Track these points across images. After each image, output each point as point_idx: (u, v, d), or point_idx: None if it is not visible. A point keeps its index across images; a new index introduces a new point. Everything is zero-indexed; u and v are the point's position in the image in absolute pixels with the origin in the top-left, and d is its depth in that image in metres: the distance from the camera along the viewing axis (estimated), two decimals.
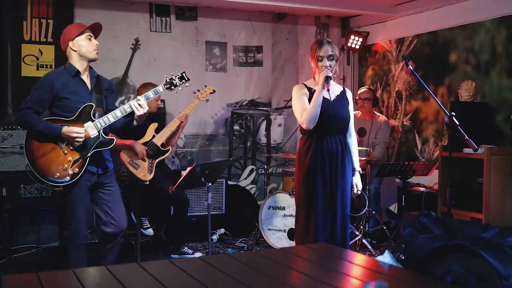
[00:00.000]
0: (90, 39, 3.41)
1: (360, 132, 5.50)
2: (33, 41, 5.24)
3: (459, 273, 1.93)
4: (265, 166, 5.76)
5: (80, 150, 3.32)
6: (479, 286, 1.88)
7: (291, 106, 4.88)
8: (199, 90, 4.96)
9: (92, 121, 3.35)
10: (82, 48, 3.39)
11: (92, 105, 3.37)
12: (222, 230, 5.60)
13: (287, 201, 4.96)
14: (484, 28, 4.99)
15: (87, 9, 5.41)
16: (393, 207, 5.76)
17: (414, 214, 2.32)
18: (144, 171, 4.57)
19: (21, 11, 5.21)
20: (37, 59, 5.25)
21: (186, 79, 3.59)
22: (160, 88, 3.51)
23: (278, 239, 4.97)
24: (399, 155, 6.05)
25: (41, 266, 4.44)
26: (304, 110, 3.45)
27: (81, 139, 3.29)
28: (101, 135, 3.38)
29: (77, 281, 1.79)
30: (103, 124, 3.36)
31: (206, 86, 5.03)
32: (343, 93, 3.62)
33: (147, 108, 3.38)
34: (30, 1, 5.22)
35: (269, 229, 5.02)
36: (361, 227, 5.01)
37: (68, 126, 3.29)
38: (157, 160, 4.68)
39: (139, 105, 3.34)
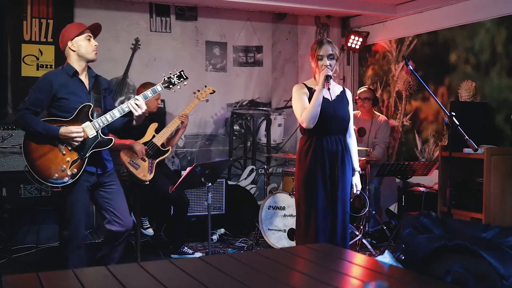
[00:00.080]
0: (89, 40, 3.40)
1: (360, 132, 5.50)
2: (33, 41, 5.24)
3: (459, 273, 1.93)
4: (265, 166, 5.76)
5: (79, 150, 3.31)
6: (479, 286, 1.88)
7: (291, 106, 4.88)
8: (199, 90, 4.96)
9: (91, 121, 3.34)
10: (81, 48, 3.38)
11: (90, 105, 3.36)
12: (222, 230, 5.60)
13: (287, 201, 4.96)
14: (484, 28, 4.99)
15: (87, 9, 5.41)
16: (393, 207, 5.76)
17: (414, 214, 2.32)
18: (144, 171, 4.57)
19: (21, 11, 5.21)
20: (37, 59, 5.25)
21: (185, 77, 3.57)
22: (158, 87, 3.49)
23: (278, 239, 4.97)
24: (399, 155, 6.05)
25: (41, 266, 4.44)
26: (304, 109, 3.45)
27: (80, 139, 3.28)
28: (100, 135, 3.36)
29: (77, 281, 1.79)
30: (101, 124, 3.35)
31: (206, 86, 5.03)
32: (343, 93, 3.62)
33: (145, 107, 3.37)
34: (30, 1, 5.22)
35: (269, 229, 5.02)
36: (361, 227, 5.01)
37: (66, 126, 3.28)
38: (157, 160, 4.68)
39: (137, 105, 3.33)
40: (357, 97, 5.57)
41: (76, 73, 3.39)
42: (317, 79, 3.52)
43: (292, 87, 3.64)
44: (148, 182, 4.57)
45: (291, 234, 4.88)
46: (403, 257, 2.09)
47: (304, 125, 3.45)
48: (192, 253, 4.86)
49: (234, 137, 6.23)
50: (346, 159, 3.53)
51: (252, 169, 6.33)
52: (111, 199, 3.46)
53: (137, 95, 3.47)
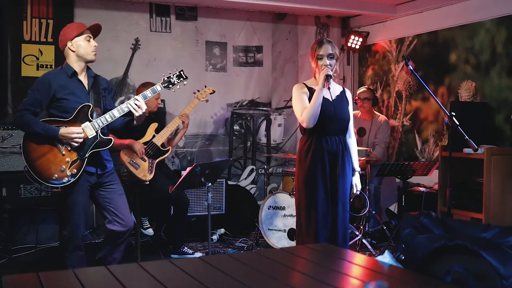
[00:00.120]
0: (89, 41, 3.39)
1: (360, 132, 5.49)
2: (33, 41, 5.24)
3: (459, 273, 1.93)
4: (265, 166, 5.76)
5: (78, 150, 3.31)
6: (479, 286, 1.88)
7: (291, 106, 4.88)
8: (198, 91, 4.96)
9: (90, 121, 3.34)
10: (80, 49, 3.37)
11: (90, 105, 3.35)
12: (222, 230, 5.60)
13: (287, 201, 4.96)
14: (484, 28, 4.99)
15: (87, 9, 5.41)
16: (393, 207, 5.76)
17: (414, 214, 2.32)
18: (144, 171, 4.57)
19: (21, 11, 5.21)
20: (37, 59, 5.25)
21: (184, 77, 3.57)
22: (158, 87, 3.48)
23: (278, 239, 4.97)
24: (399, 155, 6.05)
25: (41, 266, 4.44)
26: (304, 109, 3.45)
27: (80, 139, 3.28)
28: (99, 135, 3.36)
29: (77, 281, 1.79)
30: (101, 124, 3.34)
31: (206, 86, 5.03)
32: (342, 93, 3.62)
33: (145, 107, 3.36)
34: (30, 1, 5.22)
35: (269, 229, 5.02)
36: (361, 227, 5.01)
37: (66, 127, 3.28)
38: (157, 160, 4.68)
39: (137, 105, 3.33)
40: (356, 98, 5.57)
41: (75, 73, 3.38)
42: (317, 78, 3.52)
43: (292, 87, 3.64)
44: (148, 182, 4.57)
45: (291, 234, 4.88)
46: (403, 257, 2.09)
47: (304, 125, 3.44)
48: (192, 253, 4.86)
49: (234, 137, 6.23)
50: (346, 159, 3.53)
51: (252, 169, 6.33)
52: (111, 199, 3.46)
53: (137, 95, 3.46)
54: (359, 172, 3.65)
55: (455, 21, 5.27)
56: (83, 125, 3.32)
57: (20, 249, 4.90)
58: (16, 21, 5.18)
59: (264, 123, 6.39)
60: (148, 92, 3.43)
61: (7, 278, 1.77)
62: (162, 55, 5.76)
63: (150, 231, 5.16)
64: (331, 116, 3.45)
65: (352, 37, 6.34)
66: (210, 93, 4.98)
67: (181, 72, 3.57)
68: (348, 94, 3.67)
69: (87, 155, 3.32)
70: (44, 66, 5.25)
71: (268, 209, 5.05)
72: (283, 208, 4.99)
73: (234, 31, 6.14)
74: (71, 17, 5.33)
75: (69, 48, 3.38)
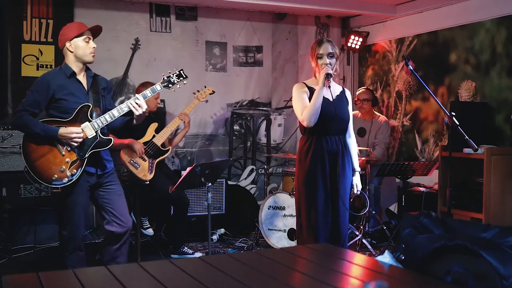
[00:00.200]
0: (88, 42, 3.36)
1: (360, 132, 5.50)
2: (33, 41, 5.24)
3: (459, 273, 1.93)
4: (265, 166, 5.76)
5: (78, 151, 3.30)
6: (479, 286, 1.88)
7: (291, 106, 4.88)
8: (198, 91, 4.96)
9: (90, 121, 3.33)
10: (78, 50, 3.35)
11: (89, 105, 3.34)
12: (222, 230, 5.60)
13: (287, 201, 4.96)
14: (484, 28, 4.99)
15: (87, 9, 5.41)
16: (393, 207, 5.76)
17: (414, 214, 2.32)
18: (144, 171, 4.57)
19: (21, 11, 5.21)
20: (37, 59, 5.25)
21: (184, 76, 3.55)
22: (158, 87, 3.48)
23: (278, 239, 4.97)
24: (399, 155, 6.05)
25: (41, 266, 4.44)
26: (304, 108, 3.44)
27: (79, 139, 3.27)
28: (99, 135, 3.35)
29: (77, 281, 1.79)
30: (101, 124, 3.34)
31: (205, 86, 5.03)
32: (342, 93, 3.62)
33: (145, 107, 3.35)
34: (30, 1, 5.22)
35: (269, 229, 5.02)
36: (361, 227, 5.01)
37: (65, 127, 3.27)
38: (157, 160, 4.68)
39: (137, 104, 3.32)
40: (356, 99, 5.57)
41: (73, 73, 3.37)
42: (317, 78, 3.52)
43: (292, 87, 3.63)
44: (148, 182, 4.57)
45: (291, 234, 4.88)
46: (403, 257, 2.09)
47: (304, 124, 3.44)
48: (192, 253, 4.86)
49: (234, 137, 6.23)
50: (346, 159, 3.53)
51: (252, 169, 6.33)
52: (110, 199, 3.45)
53: (137, 94, 3.45)
54: (359, 172, 3.66)
55: (455, 21, 5.27)
56: (82, 125, 3.31)
57: (20, 249, 4.90)
58: (16, 21, 5.18)
59: (264, 123, 6.39)
60: (148, 92, 3.42)
61: (7, 278, 1.77)
62: (162, 55, 5.76)
63: (150, 231, 5.17)
64: (332, 116, 3.45)
65: (352, 37, 6.34)
66: (210, 94, 4.98)
67: (181, 72, 3.55)
68: (348, 94, 3.67)
69: (87, 155, 3.31)
70: (44, 66, 5.25)
71: (268, 209, 5.05)
72: (283, 208, 4.99)
73: (234, 31, 6.14)
74: (71, 17, 5.33)
75: (67, 49, 3.37)
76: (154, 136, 4.73)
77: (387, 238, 5.11)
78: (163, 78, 3.50)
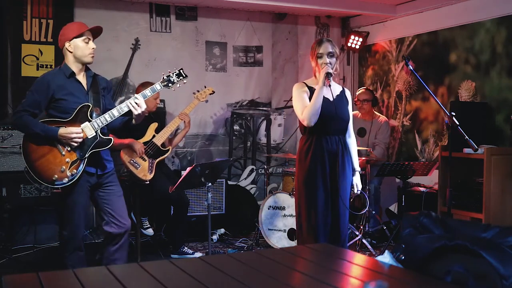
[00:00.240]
0: (87, 43, 3.35)
1: (360, 133, 5.50)
2: (33, 41, 5.25)
3: (459, 273, 1.93)
4: (265, 166, 5.76)
5: (78, 151, 3.30)
6: (479, 286, 1.88)
7: (291, 106, 4.89)
8: (198, 91, 4.96)
9: (90, 121, 3.33)
10: (77, 50, 3.34)
11: (89, 105, 3.34)
12: (222, 230, 5.60)
13: (287, 201, 4.96)
14: (484, 28, 4.99)
15: (87, 9, 5.41)
16: (393, 207, 5.76)
17: (414, 214, 2.32)
18: (144, 171, 4.57)
19: (21, 11, 5.21)
20: (37, 59, 5.25)
21: (184, 75, 3.54)
22: (157, 86, 3.47)
23: (278, 239, 4.97)
24: (399, 155, 6.05)
25: (41, 266, 4.44)
26: (305, 107, 3.44)
27: (79, 139, 3.27)
28: (99, 135, 3.35)
29: (77, 281, 1.79)
30: (100, 124, 3.33)
31: (205, 86, 5.03)
32: (342, 92, 3.62)
33: (145, 106, 3.35)
34: (30, 1, 5.22)
35: (269, 229, 5.02)
36: (361, 227, 5.01)
37: (65, 127, 3.27)
38: (157, 160, 4.68)
39: (136, 103, 3.32)
40: (356, 99, 5.57)
41: (73, 74, 3.36)
42: (317, 77, 3.52)
43: (292, 87, 3.63)
44: (148, 182, 4.57)
45: (291, 234, 4.88)
46: (403, 257, 2.09)
47: (305, 123, 3.43)
48: (192, 253, 4.86)
49: (234, 137, 6.23)
50: (346, 159, 3.53)
51: (252, 169, 6.33)
52: (109, 200, 3.44)
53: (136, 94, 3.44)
54: (359, 172, 3.66)
55: (455, 21, 5.27)
56: (82, 125, 3.31)
57: (20, 249, 4.90)
58: (16, 21, 5.18)
59: (264, 123, 6.39)
60: (147, 91, 3.41)
61: (7, 278, 1.77)
62: (162, 55, 5.76)
63: (150, 231, 5.17)
64: (332, 115, 3.45)
65: (352, 37, 6.35)
66: (210, 94, 4.98)
67: (181, 71, 3.54)
68: (348, 94, 3.67)
69: (87, 155, 3.31)
70: (44, 66, 5.25)
71: (268, 209, 5.05)
72: (283, 208, 4.99)
73: (234, 31, 6.14)
74: (71, 17, 5.33)
75: (66, 49, 3.36)
76: (154, 136, 4.73)
77: (387, 238, 5.11)
78: (163, 78, 3.49)
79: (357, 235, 4.90)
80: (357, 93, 5.67)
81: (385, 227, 5.32)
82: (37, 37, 5.26)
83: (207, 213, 3.96)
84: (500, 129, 4.81)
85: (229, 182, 5.92)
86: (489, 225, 2.07)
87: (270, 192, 5.43)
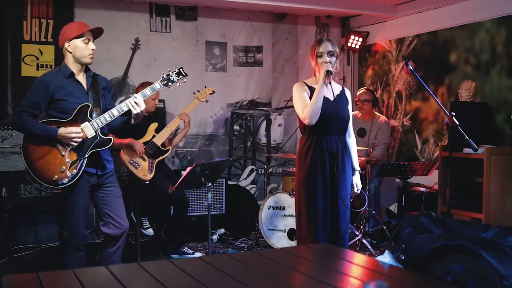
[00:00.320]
0: (87, 43, 3.34)
1: (360, 133, 5.50)
2: (33, 41, 5.25)
3: (459, 273, 1.93)
4: (265, 166, 5.76)
5: (78, 151, 3.30)
6: (479, 286, 1.88)
7: (291, 106, 4.89)
8: (198, 91, 4.96)
9: (89, 121, 3.32)
10: (77, 51, 3.33)
11: (89, 105, 3.33)
12: (222, 230, 5.60)
13: (287, 201, 4.96)
14: (484, 28, 4.99)
15: (87, 9, 5.41)
16: (393, 207, 5.76)
17: (414, 214, 2.32)
18: (144, 171, 4.57)
19: (21, 11, 5.21)
20: (37, 59, 5.25)
21: (184, 74, 3.52)
22: (157, 85, 3.46)
23: (278, 239, 4.97)
24: (399, 155, 6.05)
25: (41, 266, 4.44)
26: (305, 106, 3.44)
27: (79, 139, 3.26)
28: (99, 135, 3.34)
29: (77, 281, 1.79)
30: (100, 124, 3.33)
31: (205, 86, 5.03)
32: (342, 92, 3.62)
33: (144, 106, 3.34)
34: (30, 1, 5.22)
35: (269, 229, 5.02)
36: (361, 227, 5.01)
37: (65, 127, 3.27)
38: (157, 160, 4.68)
39: (136, 103, 3.31)
40: (356, 99, 5.57)
41: (72, 74, 3.35)
42: (317, 77, 3.52)
43: (292, 87, 3.63)
44: (148, 182, 4.57)
45: (291, 234, 4.88)
46: (403, 257, 2.09)
47: (306, 122, 3.43)
48: (192, 253, 4.86)
49: (234, 137, 6.23)
50: (346, 159, 3.53)
51: (252, 169, 6.33)
52: (108, 201, 3.44)
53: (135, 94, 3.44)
54: (359, 172, 3.66)
55: (455, 21, 5.27)
56: (82, 125, 3.30)
57: (20, 249, 4.90)
58: (16, 21, 5.18)
59: (264, 123, 6.39)
60: (147, 90, 3.40)
61: (7, 278, 1.77)
62: (162, 55, 5.76)
63: (150, 231, 5.17)
64: (332, 115, 3.44)
65: (352, 37, 6.35)
66: (210, 94, 4.98)
67: (181, 70, 3.53)
68: (348, 94, 3.67)
69: (86, 155, 3.31)
70: (44, 66, 5.25)
71: (268, 209, 5.05)
72: (283, 208, 4.99)
73: (234, 31, 6.14)
74: (71, 17, 5.33)
75: (66, 49, 3.35)
76: (154, 136, 4.73)
77: (387, 238, 5.11)
78: (163, 77, 3.48)
79: (357, 235, 4.90)
80: (358, 93, 5.66)
81: (385, 227, 5.32)
82: (37, 37, 5.26)
83: (207, 213, 3.96)
84: (500, 129, 4.81)
85: (229, 182, 5.92)
86: (489, 225, 2.07)
87: (270, 192, 5.43)
